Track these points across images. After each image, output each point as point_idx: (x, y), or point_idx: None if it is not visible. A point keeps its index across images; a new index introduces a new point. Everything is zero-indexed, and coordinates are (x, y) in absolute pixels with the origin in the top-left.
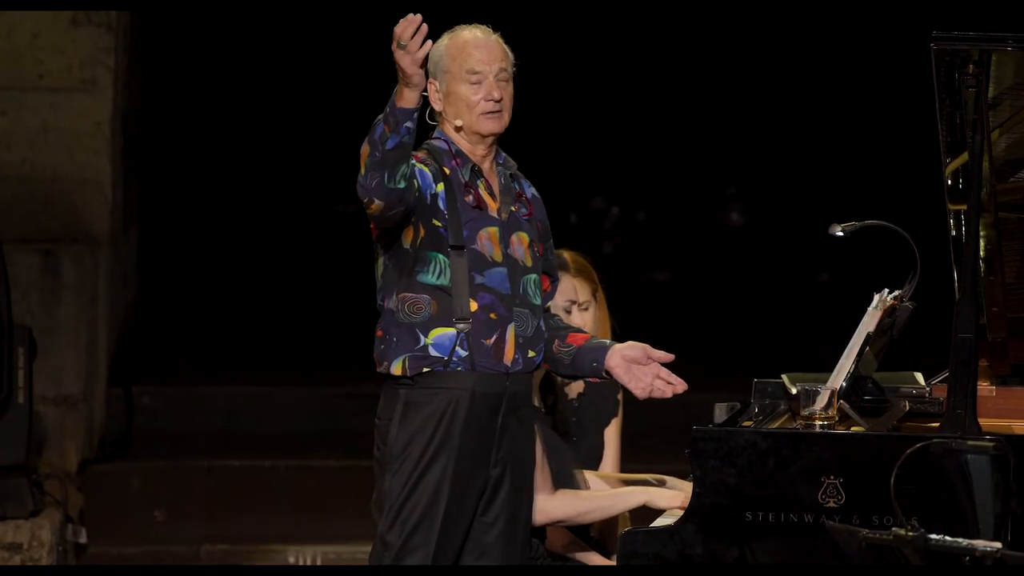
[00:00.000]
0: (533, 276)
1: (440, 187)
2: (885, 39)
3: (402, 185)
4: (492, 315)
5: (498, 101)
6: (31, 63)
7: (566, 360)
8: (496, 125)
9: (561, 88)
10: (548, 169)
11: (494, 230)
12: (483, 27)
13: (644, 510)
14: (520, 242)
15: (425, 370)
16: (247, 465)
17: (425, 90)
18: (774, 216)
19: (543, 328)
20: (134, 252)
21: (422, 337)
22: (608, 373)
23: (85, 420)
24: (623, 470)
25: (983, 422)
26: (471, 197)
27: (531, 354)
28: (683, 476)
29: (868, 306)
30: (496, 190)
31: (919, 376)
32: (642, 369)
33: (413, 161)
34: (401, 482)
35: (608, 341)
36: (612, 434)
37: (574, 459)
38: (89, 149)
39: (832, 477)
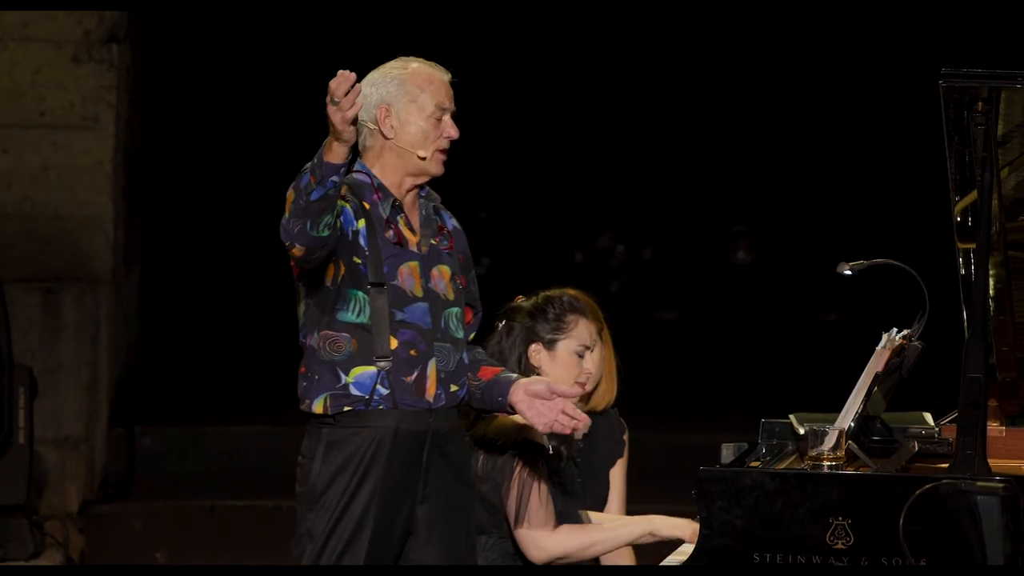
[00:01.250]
0: (455, 310)
1: (361, 223)
2: (893, 77)
3: (325, 233)
4: (412, 351)
5: (454, 140)
6: (32, 100)
7: (477, 394)
8: (442, 168)
9: (568, 125)
10: (554, 206)
11: (414, 264)
12: (435, 63)
13: (649, 545)
14: (441, 275)
15: (346, 409)
16: (250, 505)
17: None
18: (781, 254)
19: (466, 362)
20: (136, 291)
21: (343, 375)
22: (512, 408)
23: (86, 460)
24: (628, 511)
25: (993, 463)
26: (391, 232)
27: (454, 388)
28: (689, 517)
29: (876, 345)
30: (416, 224)
31: (928, 416)
32: (546, 404)
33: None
34: (324, 521)
35: (514, 375)
36: (618, 475)
37: (578, 500)
38: (91, 187)
39: (840, 518)
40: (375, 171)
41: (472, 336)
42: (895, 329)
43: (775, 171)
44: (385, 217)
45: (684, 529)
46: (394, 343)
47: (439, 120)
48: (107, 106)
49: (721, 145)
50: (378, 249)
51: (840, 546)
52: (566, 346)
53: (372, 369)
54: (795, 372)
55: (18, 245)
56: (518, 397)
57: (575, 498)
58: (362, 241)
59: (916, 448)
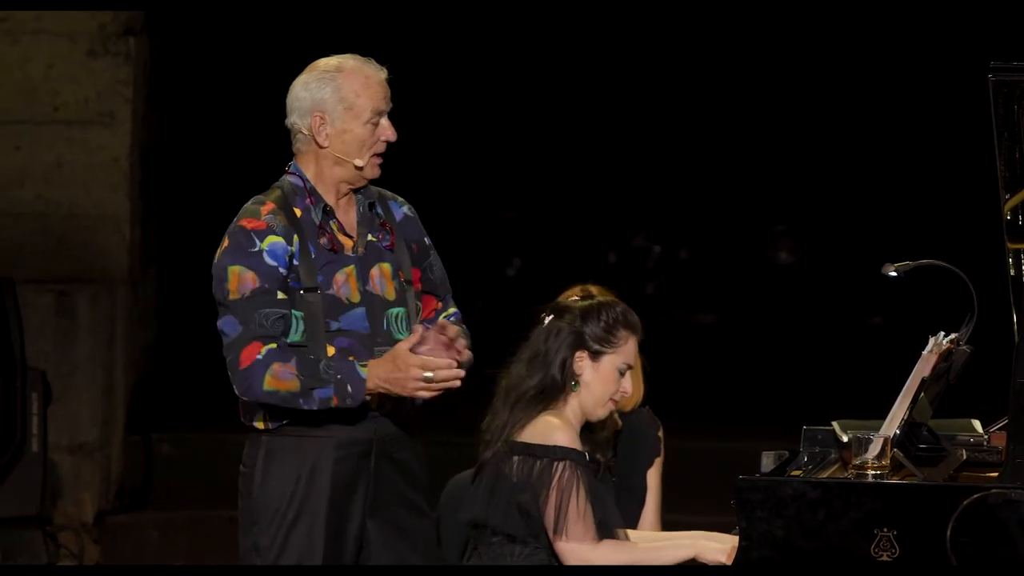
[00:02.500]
0: (398, 311)
1: (295, 242)
2: (941, 71)
3: None
4: (351, 358)
5: (390, 143)
6: (46, 95)
7: None
8: (378, 171)
9: (600, 118)
10: (586, 204)
11: (350, 269)
12: (369, 59)
13: (691, 563)
14: (382, 274)
15: (285, 421)
16: None
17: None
18: (824, 255)
19: None
20: (153, 292)
21: None
22: None
23: (102, 469)
24: (665, 520)
25: None
26: (325, 239)
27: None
28: (728, 529)
29: (923, 350)
30: (352, 224)
31: (976, 423)
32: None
33: (276, 273)
34: (271, 535)
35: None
36: (654, 476)
37: (616, 509)
38: (106, 185)
39: (885, 529)
40: (309, 175)
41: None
42: (942, 333)
43: (818, 168)
44: (318, 223)
45: (730, 554)
46: (331, 351)
47: (376, 125)
48: (123, 101)
49: (762, 140)
50: (310, 257)
51: (885, 558)
52: (611, 361)
53: None
54: (838, 377)
55: (31, 245)
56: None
57: (612, 507)
58: (295, 259)
59: (964, 456)
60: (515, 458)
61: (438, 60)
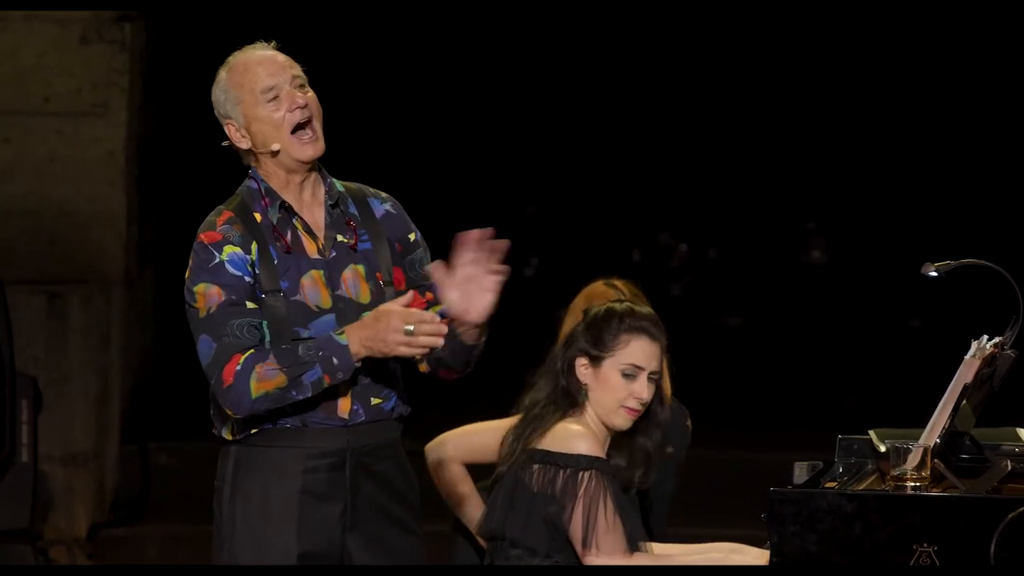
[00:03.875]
0: None
1: (253, 251)
2: (980, 66)
3: None
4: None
5: (304, 107)
6: (37, 85)
7: (448, 356)
8: (313, 149)
9: (624, 111)
10: (609, 200)
11: (318, 273)
12: (258, 44)
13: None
14: (355, 276)
15: (253, 431)
16: None
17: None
18: (859, 254)
19: (397, 369)
20: (150, 293)
21: None
22: (469, 333)
23: (96, 480)
24: (691, 535)
25: None
26: (280, 243)
27: (376, 401)
28: (758, 544)
29: (965, 354)
30: (320, 223)
31: (1022, 432)
32: (471, 289)
33: (242, 283)
34: (248, 553)
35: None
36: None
37: (640, 523)
38: (101, 180)
39: (925, 544)
40: (262, 176)
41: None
42: (986, 336)
43: (852, 162)
44: (273, 224)
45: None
46: None
47: (276, 99)
48: (119, 91)
49: (793, 133)
50: (272, 262)
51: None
52: (611, 365)
53: None
54: (875, 384)
55: (21, 244)
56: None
57: (638, 520)
58: (256, 267)
59: (1009, 467)
60: (535, 466)
61: (455, 49)
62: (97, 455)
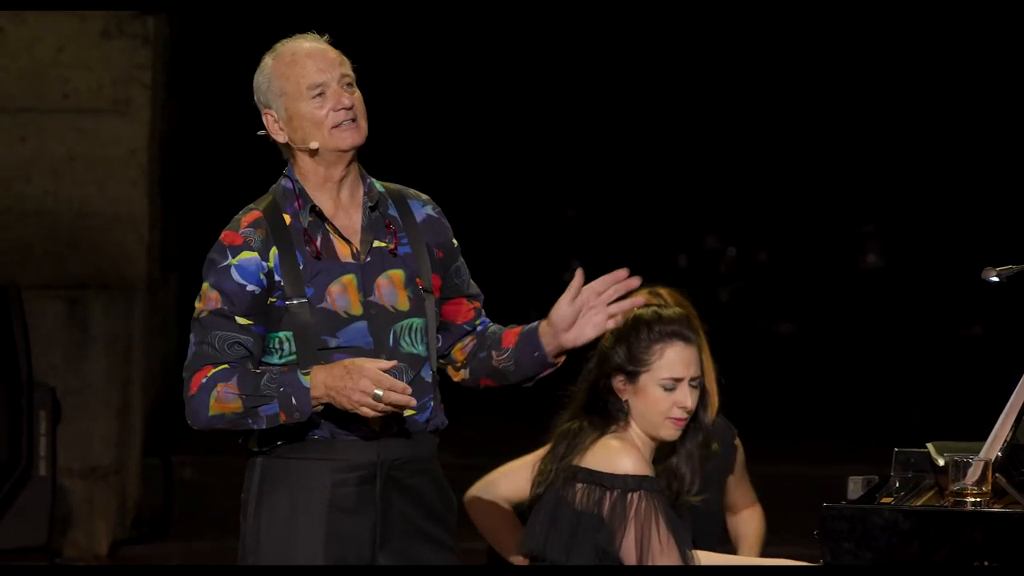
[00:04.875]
0: (411, 322)
1: (272, 255)
2: None
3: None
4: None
5: (349, 108)
6: (55, 82)
7: (511, 368)
8: (354, 136)
9: (669, 107)
10: (653, 201)
11: (349, 278)
12: (308, 35)
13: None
14: (391, 283)
15: (280, 443)
16: None
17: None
18: (918, 258)
19: (431, 378)
20: (174, 299)
21: None
22: (556, 353)
23: (117, 495)
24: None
25: None
26: (310, 247)
27: (409, 412)
28: (812, 561)
29: None
30: (356, 227)
31: None
32: (585, 318)
33: (247, 295)
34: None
35: (536, 323)
36: (742, 486)
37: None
38: (122, 180)
39: (987, 563)
40: (297, 176)
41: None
42: None
43: (911, 162)
44: (304, 228)
45: None
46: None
47: (321, 96)
48: (141, 87)
49: (849, 132)
50: (297, 268)
51: None
52: (649, 379)
53: None
54: (934, 394)
55: (39, 247)
56: (549, 338)
57: (688, 539)
58: (277, 275)
59: None
60: (578, 485)
61: (496, 47)
62: (118, 469)
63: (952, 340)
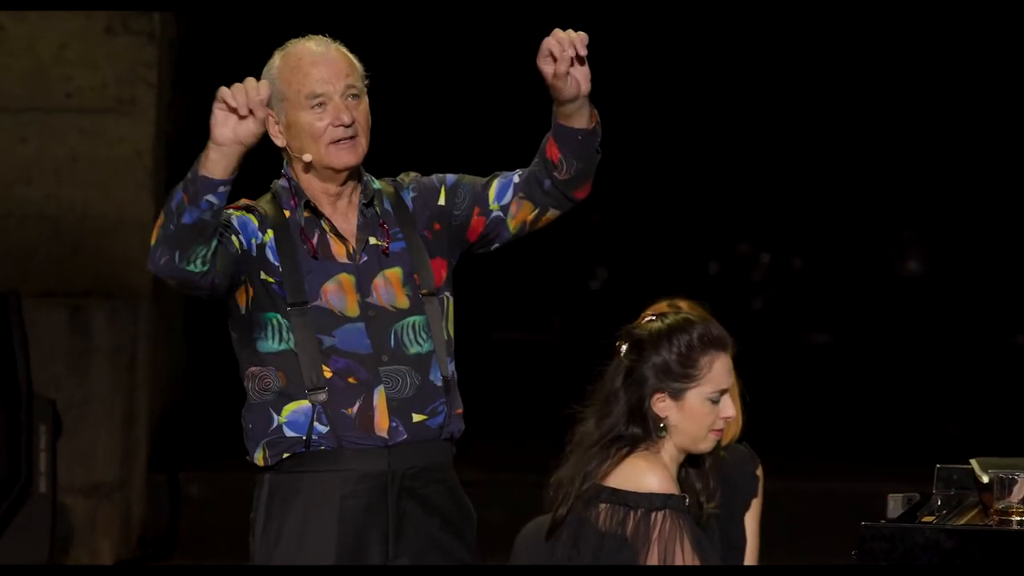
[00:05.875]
0: (413, 320)
1: (268, 236)
2: None
3: (199, 268)
4: (351, 379)
5: (348, 125)
6: (57, 80)
7: (578, 163)
8: (350, 156)
9: (699, 108)
10: (683, 206)
11: (346, 278)
12: (319, 38)
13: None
14: (388, 283)
15: (286, 456)
16: None
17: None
18: (961, 265)
19: (441, 381)
20: (180, 308)
21: (275, 417)
22: (586, 115)
23: (121, 512)
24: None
25: None
26: (306, 245)
27: (419, 418)
28: None
29: None
30: (351, 228)
31: None
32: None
33: (231, 221)
34: None
35: (552, 123)
36: (751, 522)
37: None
38: (127, 183)
39: None
40: (292, 174)
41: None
42: None
43: (953, 164)
44: (301, 226)
45: None
46: (328, 371)
47: (321, 107)
48: (146, 86)
49: (888, 132)
50: (296, 264)
51: None
52: (697, 395)
53: (305, 404)
54: (978, 408)
55: (40, 252)
56: (563, 111)
57: (718, 560)
58: (272, 256)
59: None
60: (602, 505)
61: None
62: (122, 485)
63: (997, 350)
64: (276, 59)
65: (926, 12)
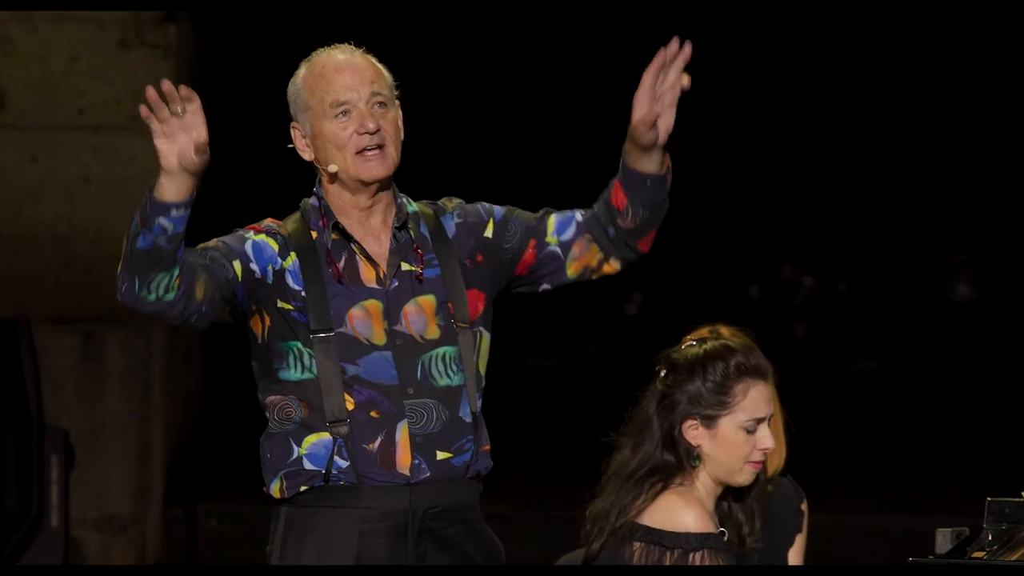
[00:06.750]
0: (443, 351)
1: (290, 260)
2: None
3: (164, 297)
4: (374, 413)
5: (374, 133)
6: (69, 95)
7: (645, 212)
8: (379, 167)
9: (740, 124)
10: (722, 227)
11: (373, 304)
12: (344, 46)
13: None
14: (420, 311)
15: (303, 489)
16: None
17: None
18: (1012, 289)
19: (471, 417)
20: (197, 335)
21: (296, 448)
22: (656, 161)
23: (136, 547)
24: None
25: None
26: (332, 270)
27: (443, 456)
28: None
29: None
30: (383, 251)
31: None
32: (655, 111)
33: (242, 246)
34: None
35: (620, 166)
36: (795, 557)
37: None
38: (142, 204)
39: None
40: (325, 195)
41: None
42: None
43: (1004, 185)
44: (328, 248)
45: None
46: (350, 403)
47: (344, 116)
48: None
49: (937, 152)
50: (321, 288)
51: None
52: (731, 422)
53: (327, 436)
54: None
55: (51, 276)
56: (635, 151)
57: None
58: (293, 281)
59: None
60: (636, 544)
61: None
62: (137, 519)
63: None
64: (301, 69)
65: (983, 34)
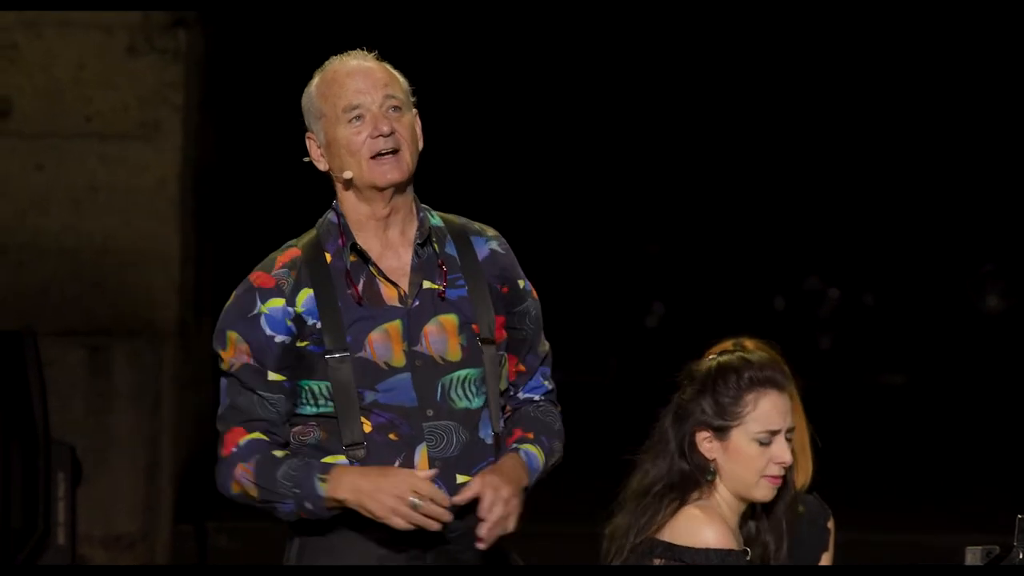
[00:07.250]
0: (465, 373)
1: (303, 298)
2: None
3: None
4: (392, 435)
5: (388, 135)
6: (76, 102)
7: None
8: (393, 172)
9: (765, 135)
10: (747, 238)
11: (393, 326)
12: (358, 52)
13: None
14: (442, 331)
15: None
16: None
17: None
18: None
19: (491, 438)
20: (207, 346)
21: None
22: None
23: (145, 564)
24: None
25: None
26: (351, 291)
27: (463, 479)
28: None
29: None
30: (406, 268)
31: None
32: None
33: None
34: None
35: (516, 446)
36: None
37: None
38: (150, 213)
39: None
40: (342, 209)
41: (525, 389)
42: None
43: None
44: (346, 269)
45: None
46: (368, 426)
47: (358, 120)
48: (171, 109)
49: (965, 164)
50: (337, 312)
51: None
52: (742, 434)
53: (343, 460)
54: None
55: (57, 288)
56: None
57: None
58: (309, 318)
59: None
60: (656, 561)
61: (576, 77)
62: (146, 536)
63: None
64: (315, 78)
65: (1017, 51)
